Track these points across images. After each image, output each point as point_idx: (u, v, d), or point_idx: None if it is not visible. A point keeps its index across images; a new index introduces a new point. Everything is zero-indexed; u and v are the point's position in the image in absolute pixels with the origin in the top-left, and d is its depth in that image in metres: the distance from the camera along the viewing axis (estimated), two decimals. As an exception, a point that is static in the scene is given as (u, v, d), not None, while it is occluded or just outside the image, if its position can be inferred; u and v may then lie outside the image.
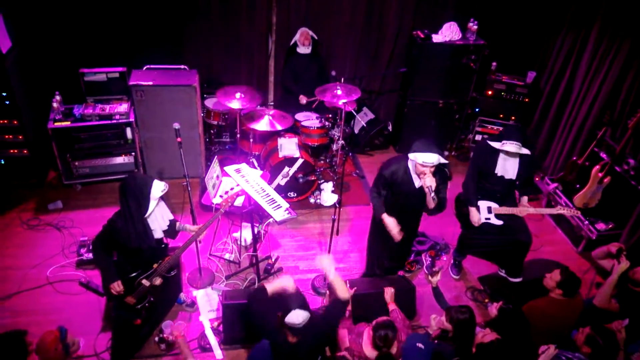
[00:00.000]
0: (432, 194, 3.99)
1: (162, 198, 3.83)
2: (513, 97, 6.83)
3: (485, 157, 4.59)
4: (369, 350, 3.59)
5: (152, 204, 3.69)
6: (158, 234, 3.87)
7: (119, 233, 3.67)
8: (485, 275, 5.29)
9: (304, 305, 3.29)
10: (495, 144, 4.46)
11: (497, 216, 4.68)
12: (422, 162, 3.95)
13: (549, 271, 4.08)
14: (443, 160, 4.01)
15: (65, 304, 4.64)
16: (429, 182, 3.97)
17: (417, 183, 4.18)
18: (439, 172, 4.12)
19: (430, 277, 4.23)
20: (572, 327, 4.01)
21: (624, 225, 5.40)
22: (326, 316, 3.66)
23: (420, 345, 3.26)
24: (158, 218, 3.84)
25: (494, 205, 4.68)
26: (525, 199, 4.68)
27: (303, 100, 6.43)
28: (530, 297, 4.14)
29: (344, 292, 3.64)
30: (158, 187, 3.69)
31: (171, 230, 4.07)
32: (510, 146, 4.34)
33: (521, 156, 4.48)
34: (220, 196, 4.96)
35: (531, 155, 4.50)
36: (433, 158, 3.93)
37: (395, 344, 3.53)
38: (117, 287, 3.81)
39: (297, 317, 3.23)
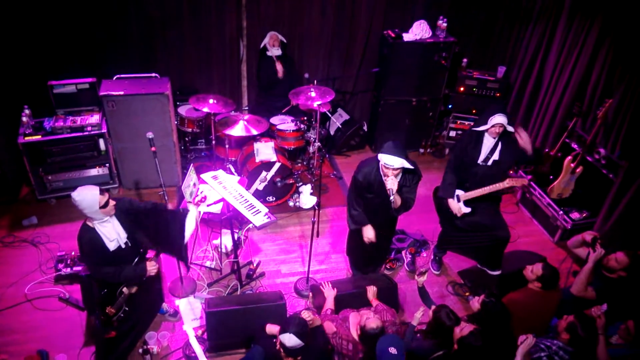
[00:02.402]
0: (392, 197, 4.06)
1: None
2: (485, 92, 6.92)
3: (469, 146, 4.65)
4: (356, 334, 3.66)
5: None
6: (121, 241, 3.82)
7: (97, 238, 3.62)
8: (465, 269, 5.37)
9: (301, 333, 3.40)
10: (483, 127, 4.53)
11: (466, 203, 4.75)
12: (385, 163, 4.03)
13: (528, 263, 4.15)
14: (407, 166, 4.06)
15: (46, 321, 4.56)
16: (390, 184, 4.04)
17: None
18: (409, 173, 4.19)
19: (417, 278, 4.29)
20: (550, 318, 4.09)
21: (597, 214, 5.52)
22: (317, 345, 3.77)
23: (392, 350, 3.26)
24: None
25: (460, 192, 4.75)
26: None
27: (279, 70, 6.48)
28: (509, 289, 4.22)
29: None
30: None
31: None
32: (499, 117, 4.40)
33: (504, 140, 4.54)
34: (188, 202, 4.93)
35: (508, 137, 4.56)
36: (396, 162, 3.99)
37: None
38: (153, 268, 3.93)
39: (288, 340, 3.36)
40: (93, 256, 3.65)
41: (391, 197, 4.05)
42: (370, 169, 4.28)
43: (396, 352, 3.23)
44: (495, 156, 4.58)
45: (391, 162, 3.99)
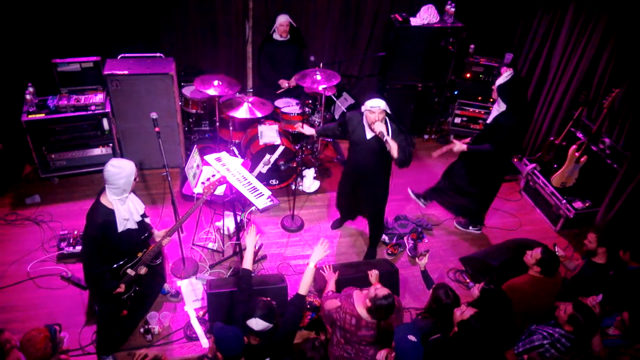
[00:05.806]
0: (386, 138, 4.22)
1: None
2: (491, 79, 6.85)
3: None
4: (361, 309, 3.64)
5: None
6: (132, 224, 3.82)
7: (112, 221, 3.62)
8: (466, 256, 5.36)
9: (268, 315, 3.36)
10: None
11: None
12: (370, 107, 4.29)
13: (529, 249, 4.18)
14: (388, 109, 4.32)
15: (47, 299, 4.59)
16: (378, 127, 4.26)
17: (369, 135, 4.49)
18: (392, 124, 4.41)
19: (418, 261, 4.30)
20: (551, 304, 4.11)
21: (600, 203, 5.51)
22: (287, 317, 3.71)
23: (411, 337, 3.27)
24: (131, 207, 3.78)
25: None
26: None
27: (284, 84, 6.40)
28: (510, 276, 4.23)
29: (305, 288, 3.81)
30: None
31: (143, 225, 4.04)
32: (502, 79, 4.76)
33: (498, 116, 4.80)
34: (203, 183, 4.92)
35: (506, 116, 4.77)
36: (378, 102, 4.28)
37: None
38: (121, 289, 3.81)
39: (256, 324, 3.33)
40: (97, 239, 3.62)
41: (385, 139, 4.22)
42: (354, 116, 4.61)
43: (415, 340, 3.24)
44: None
45: (375, 103, 4.27)
